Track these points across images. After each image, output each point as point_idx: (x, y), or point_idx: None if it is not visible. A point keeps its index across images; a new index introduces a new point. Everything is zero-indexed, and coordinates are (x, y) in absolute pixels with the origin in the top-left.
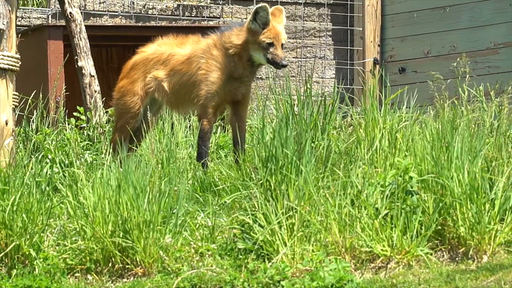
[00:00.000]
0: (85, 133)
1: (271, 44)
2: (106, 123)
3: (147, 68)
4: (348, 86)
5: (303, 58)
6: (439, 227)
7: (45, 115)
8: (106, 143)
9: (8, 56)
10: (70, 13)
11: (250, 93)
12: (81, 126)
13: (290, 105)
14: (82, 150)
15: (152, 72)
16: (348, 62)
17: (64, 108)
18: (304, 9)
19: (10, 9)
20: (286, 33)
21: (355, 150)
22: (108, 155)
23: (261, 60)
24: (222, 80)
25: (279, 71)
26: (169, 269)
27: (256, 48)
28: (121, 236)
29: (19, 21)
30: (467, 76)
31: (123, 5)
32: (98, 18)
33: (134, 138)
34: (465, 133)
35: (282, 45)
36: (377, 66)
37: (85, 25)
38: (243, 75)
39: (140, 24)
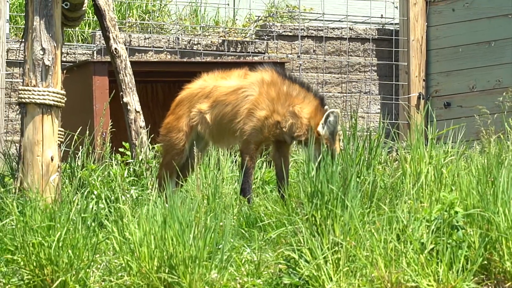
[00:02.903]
0: (131, 169)
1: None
2: (152, 158)
3: (192, 103)
4: (394, 121)
5: (348, 93)
6: (485, 262)
7: (91, 151)
8: (152, 178)
9: (53, 92)
10: (115, 49)
11: None
12: (127, 161)
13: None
14: (128, 186)
15: (197, 106)
16: (393, 97)
17: (110, 144)
18: (349, 44)
19: (55, 45)
20: (331, 67)
21: (400, 185)
22: (154, 191)
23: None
24: (268, 121)
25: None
26: None
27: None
28: (166, 271)
29: (64, 57)
30: None
31: (168, 40)
32: (143, 54)
33: (180, 174)
34: (511, 167)
35: None
36: (422, 101)
37: (130, 61)
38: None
39: (185, 60)
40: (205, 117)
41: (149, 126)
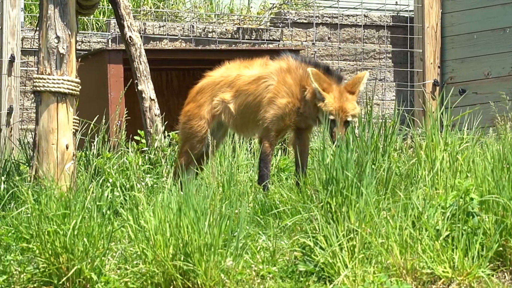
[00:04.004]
0: (146, 157)
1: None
2: (167, 146)
3: (214, 91)
4: (409, 108)
5: None
6: (501, 248)
7: (106, 139)
8: (167, 166)
9: (68, 81)
10: (130, 37)
11: None
12: (142, 149)
13: (351, 127)
14: (143, 174)
15: (219, 95)
16: (408, 84)
17: (125, 132)
18: (364, 32)
19: (70, 33)
20: (346, 55)
21: (416, 171)
22: (169, 179)
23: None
24: (289, 108)
25: None
26: None
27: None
28: (182, 259)
29: (79, 45)
30: None
31: (183, 28)
32: (158, 42)
33: (196, 162)
34: None
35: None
36: (437, 88)
37: (145, 49)
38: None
39: (200, 48)
40: (229, 107)
41: (164, 114)
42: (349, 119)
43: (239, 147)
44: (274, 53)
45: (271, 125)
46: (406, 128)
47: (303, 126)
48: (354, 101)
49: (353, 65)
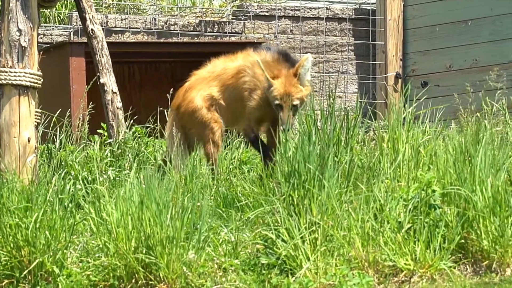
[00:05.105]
0: (109, 150)
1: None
2: (132, 139)
3: (202, 85)
4: (371, 101)
5: (326, 73)
6: (462, 241)
7: (69, 132)
8: (130, 160)
9: (30, 73)
10: (92, 30)
11: None
12: (107, 142)
13: (313, 120)
14: (106, 167)
15: (208, 90)
16: (371, 76)
17: (88, 125)
18: (326, 24)
19: (31, 26)
20: (308, 47)
21: (378, 164)
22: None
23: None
24: (262, 100)
25: None
26: (192, 284)
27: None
28: (144, 252)
29: (41, 38)
30: (498, 89)
31: (145, 21)
32: (120, 35)
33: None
34: (488, 146)
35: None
36: (400, 80)
37: (107, 42)
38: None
39: (162, 40)
40: (220, 103)
41: (126, 107)
42: (295, 102)
43: None
44: (236, 46)
45: (250, 116)
46: (369, 121)
47: (277, 116)
48: (298, 84)
49: (315, 58)
